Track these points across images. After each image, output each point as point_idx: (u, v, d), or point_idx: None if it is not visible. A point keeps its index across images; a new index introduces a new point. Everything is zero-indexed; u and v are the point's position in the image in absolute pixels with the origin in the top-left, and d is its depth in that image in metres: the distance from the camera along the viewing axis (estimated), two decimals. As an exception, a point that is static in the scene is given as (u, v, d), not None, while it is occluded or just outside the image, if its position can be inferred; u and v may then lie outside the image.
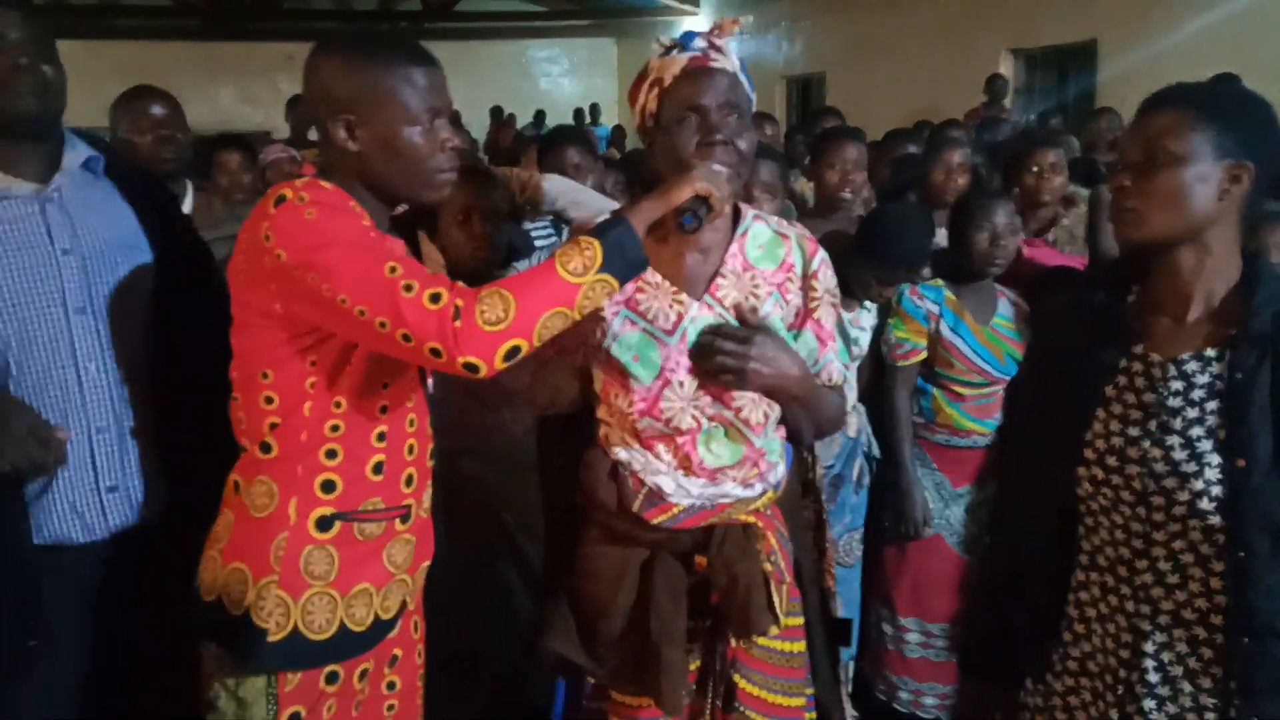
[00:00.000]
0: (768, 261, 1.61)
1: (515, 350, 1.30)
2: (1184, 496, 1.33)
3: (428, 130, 1.42)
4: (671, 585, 1.59)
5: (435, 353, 1.27)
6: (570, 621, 1.64)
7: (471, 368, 1.28)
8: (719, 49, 1.53)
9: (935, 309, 2.57)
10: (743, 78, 1.55)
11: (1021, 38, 7.91)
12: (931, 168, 3.40)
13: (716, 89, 1.50)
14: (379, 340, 1.31)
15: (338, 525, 1.44)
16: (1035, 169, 3.21)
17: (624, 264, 1.36)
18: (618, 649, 1.63)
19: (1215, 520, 1.31)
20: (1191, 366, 1.36)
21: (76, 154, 1.77)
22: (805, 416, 1.64)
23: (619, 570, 1.61)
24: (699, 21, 11.57)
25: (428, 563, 1.61)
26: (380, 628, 1.50)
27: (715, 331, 1.53)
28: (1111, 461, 1.39)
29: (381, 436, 1.46)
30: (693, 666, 1.66)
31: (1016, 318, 2.64)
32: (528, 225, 2.61)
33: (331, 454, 1.43)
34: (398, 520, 1.50)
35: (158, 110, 2.66)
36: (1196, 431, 1.33)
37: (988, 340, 2.58)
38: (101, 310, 1.72)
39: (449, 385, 1.58)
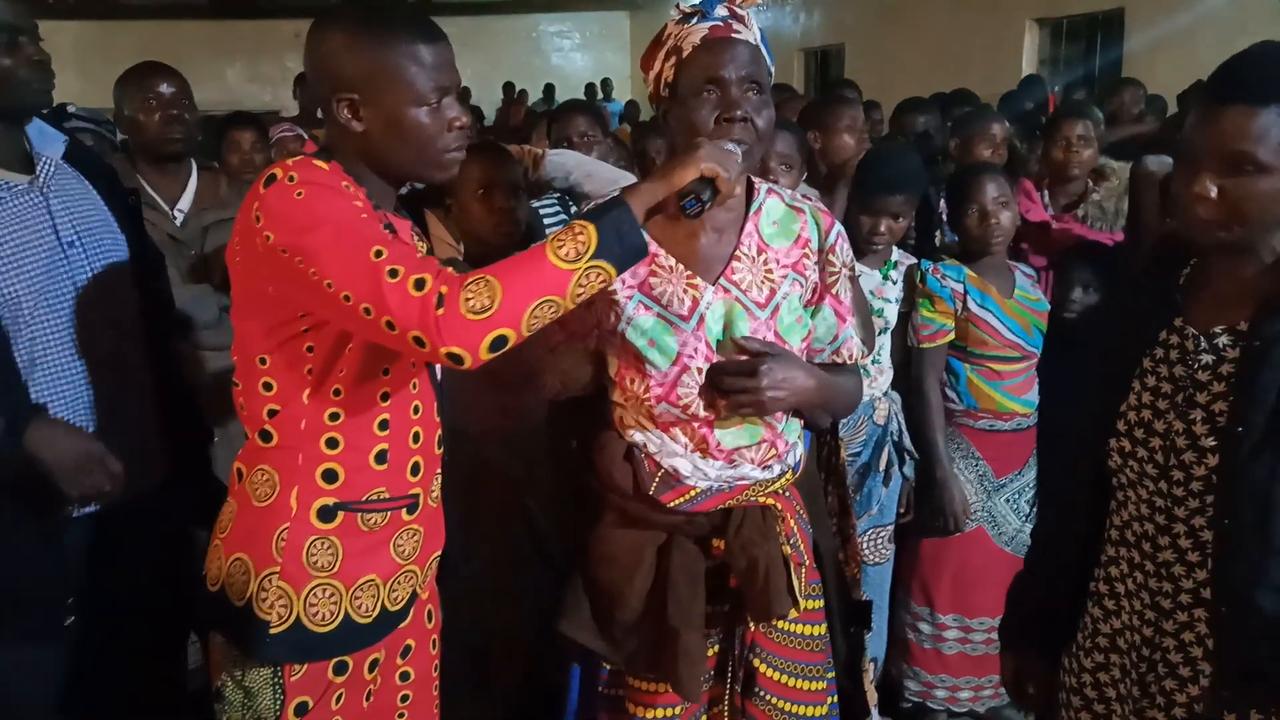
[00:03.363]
0: (783, 238, 1.57)
1: (502, 340, 1.23)
2: (1202, 471, 1.29)
3: (435, 110, 1.36)
4: (689, 569, 1.57)
5: (419, 341, 1.22)
6: (585, 606, 1.61)
7: (455, 358, 1.22)
8: (740, 19, 1.48)
9: (960, 287, 2.52)
10: (764, 50, 1.50)
11: (1047, 7, 7.77)
12: (974, 142, 3.32)
13: (738, 61, 1.44)
14: (364, 327, 1.27)
15: (341, 515, 1.41)
16: (1063, 142, 3.13)
17: (620, 250, 1.28)
18: (634, 634, 1.60)
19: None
20: (1224, 340, 1.32)
21: (54, 144, 1.78)
22: (823, 411, 1.63)
23: (635, 554, 1.58)
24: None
25: (438, 553, 1.57)
26: (388, 619, 1.47)
27: (721, 370, 1.49)
28: (1139, 434, 1.37)
29: (384, 424, 1.42)
30: (711, 652, 1.64)
31: (1033, 288, 2.60)
32: (534, 203, 2.56)
33: (332, 443, 1.39)
34: (404, 510, 1.46)
35: (165, 88, 2.61)
36: (1220, 406, 1.29)
37: (1015, 313, 2.54)
38: (105, 299, 1.75)
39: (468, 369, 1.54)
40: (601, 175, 2.51)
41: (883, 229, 2.45)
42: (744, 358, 1.50)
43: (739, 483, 1.56)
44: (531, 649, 2.16)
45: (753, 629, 1.62)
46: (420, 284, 1.22)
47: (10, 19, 1.66)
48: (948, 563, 2.61)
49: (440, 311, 1.20)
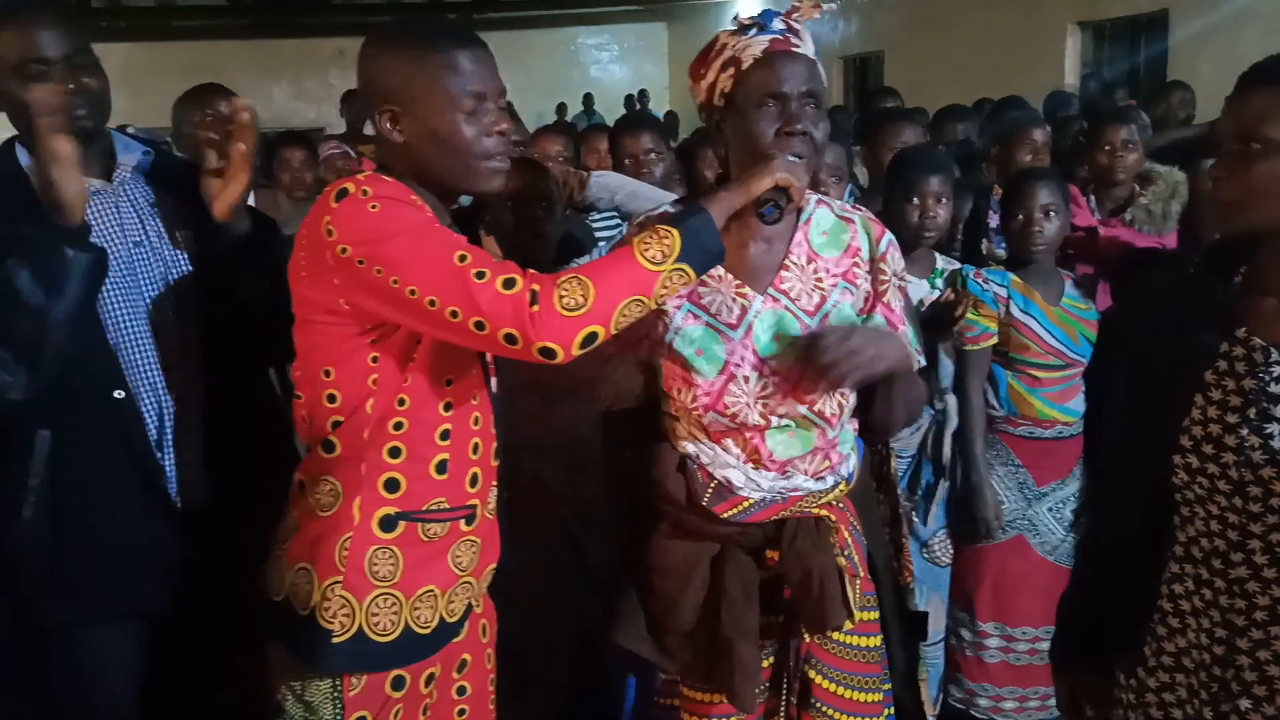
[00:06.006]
0: (832, 248, 1.57)
1: (593, 337, 1.28)
2: None
3: (471, 116, 1.37)
4: (743, 580, 1.58)
5: (510, 339, 1.26)
6: (640, 617, 1.63)
7: (548, 353, 1.27)
8: (797, 32, 1.50)
9: (1003, 292, 2.51)
10: (818, 63, 1.51)
11: (1089, 9, 7.69)
12: (1014, 148, 3.30)
13: (798, 76, 1.47)
14: (450, 330, 1.30)
15: (402, 525, 1.42)
16: (1107, 147, 3.11)
17: (702, 254, 1.34)
18: (689, 644, 1.61)
19: None
20: None
21: (131, 153, 1.84)
22: (902, 396, 1.59)
23: (689, 565, 1.59)
24: (750, 4, 11.43)
25: (493, 565, 1.58)
26: (445, 630, 1.49)
27: (811, 342, 1.46)
28: (1208, 449, 1.33)
29: (445, 434, 1.44)
30: (766, 663, 1.64)
31: (1083, 297, 2.58)
32: (593, 218, 2.59)
33: (395, 452, 1.41)
34: (462, 521, 1.48)
35: (223, 108, 2.69)
36: None
37: (1060, 320, 2.51)
38: (169, 299, 1.79)
39: (512, 380, 1.55)
40: (646, 196, 2.53)
41: (931, 212, 2.44)
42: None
43: (792, 494, 1.56)
44: (572, 656, 2.17)
45: (807, 640, 1.63)
46: (510, 283, 1.26)
47: (40, 52, 1.66)
48: (987, 570, 2.59)
49: (535, 308, 1.24)
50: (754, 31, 1.49)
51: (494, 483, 1.55)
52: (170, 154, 2.08)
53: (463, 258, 1.28)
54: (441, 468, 1.44)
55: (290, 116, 10.92)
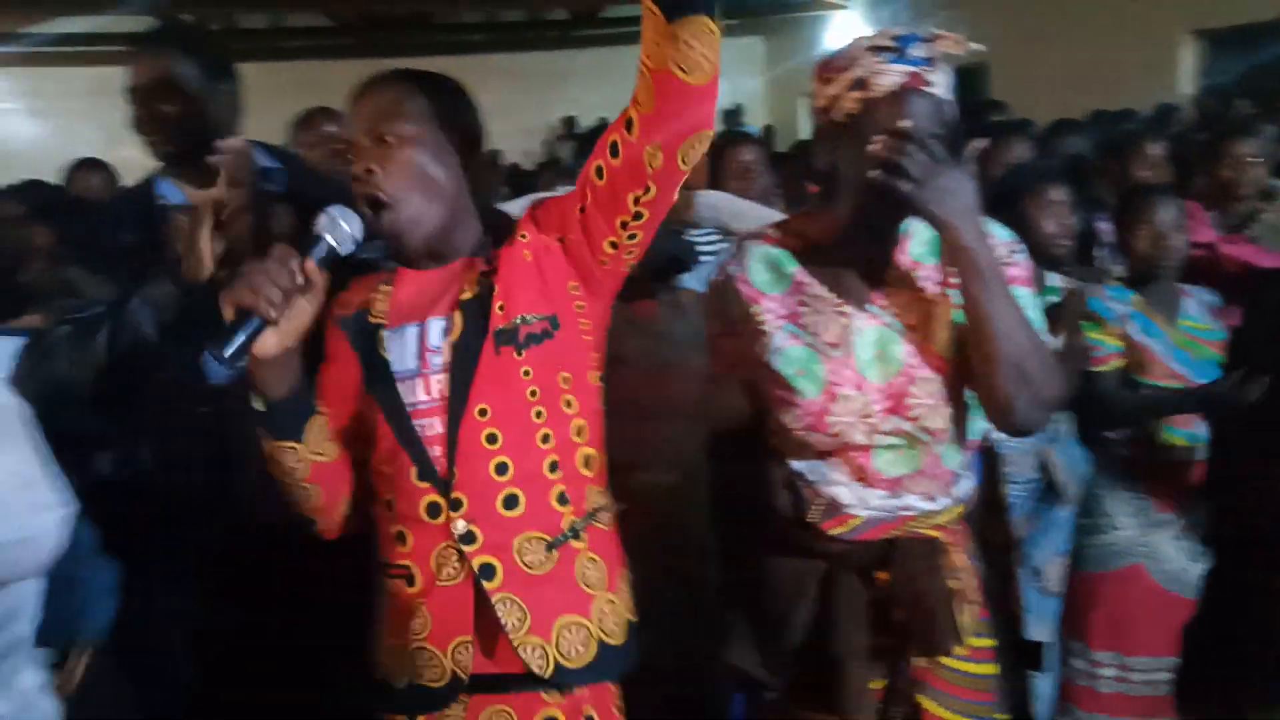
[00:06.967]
0: (932, 256, 1.55)
1: None
2: None
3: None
4: (852, 600, 1.55)
5: None
6: (749, 635, 1.62)
7: None
8: (934, 64, 1.43)
9: (1125, 310, 2.44)
10: (952, 99, 1.46)
11: (1205, 16, 7.39)
12: (1130, 163, 3.22)
13: (926, 120, 1.40)
14: None
15: (382, 575, 1.48)
16: (1231, 160, 3.00)
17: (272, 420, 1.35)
18: (798, 664, 1.60)
19: None
20: None
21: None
22: (1001, 319, 1.39)
23: (797, 584, 1.58)
24: (850, 16, 11.28)
25: (466, 637, 1.37)
26: (422, 695, 1.41)
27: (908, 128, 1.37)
28: None
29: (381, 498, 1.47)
30: (876, 685, 1.61)
31: (1208, 317, 2.48)
32: (693, 234, 2.59)
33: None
34: (403, 582, 1.42)
35: (330, 129, 2.81)
36: None
37: (1181, 342, 2.43)
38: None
39: (609, 398, 1.56)
40: (750, 216, 2.51)
41: (1066, 220, 2.42)
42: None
43: (903, 513, 1.54)
44: (671, 676, 2.16)
45: (919, 664, 1.59)
46: None
47: (127, 84, 1.76)
48: (1103, 598, 2.49)
49: None
50: (893, 57, 1.42)
51: (465, 548, 1.37)
52: (301, 169, 2.10)
53: None
54: (381, 524, 1.47)
55: (393, 134, 11.20)
